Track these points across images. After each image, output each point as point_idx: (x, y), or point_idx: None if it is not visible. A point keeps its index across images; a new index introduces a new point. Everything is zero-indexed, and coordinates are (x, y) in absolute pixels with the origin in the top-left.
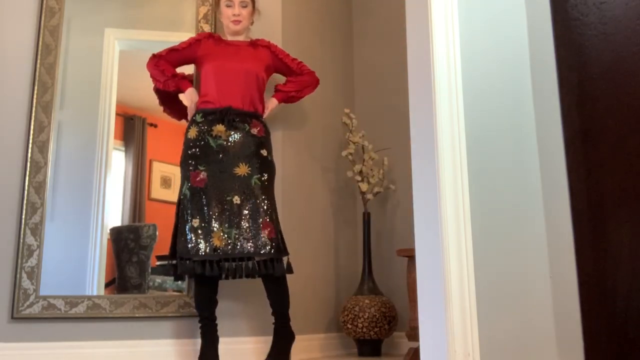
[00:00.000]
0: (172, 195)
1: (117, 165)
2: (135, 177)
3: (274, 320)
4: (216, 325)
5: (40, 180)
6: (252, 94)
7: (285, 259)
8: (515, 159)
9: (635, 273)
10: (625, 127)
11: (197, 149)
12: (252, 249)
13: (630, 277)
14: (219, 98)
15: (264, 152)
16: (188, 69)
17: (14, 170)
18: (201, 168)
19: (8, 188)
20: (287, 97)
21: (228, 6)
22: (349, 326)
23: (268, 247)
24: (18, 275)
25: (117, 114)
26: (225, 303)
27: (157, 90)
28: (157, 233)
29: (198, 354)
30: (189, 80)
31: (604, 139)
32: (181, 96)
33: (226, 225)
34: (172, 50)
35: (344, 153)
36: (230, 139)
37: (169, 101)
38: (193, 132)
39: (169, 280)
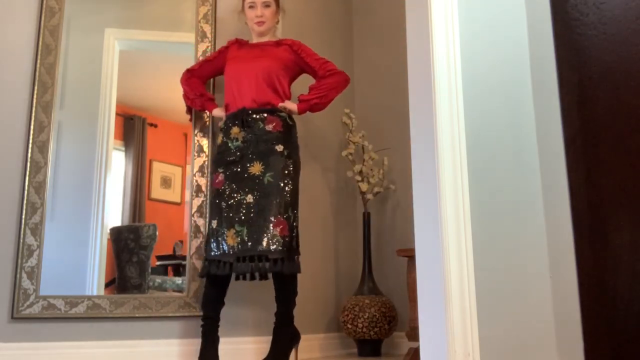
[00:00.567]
0: (172, 195)
1: (117, 165)
2: (135, 177)
3: (275, 320)
4: (218, 326)
5: (40, 180)
6: (265, 90)
7: (298, 257)
8: (515, 159)
9: (635, 273)
10: (625, 127)
11: (220, 154)
12: (264, 247)
13: (630, 277)
14: (235, 100)
15: (279, 148)
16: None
17: (14, 170)
18: (220, 170)
19: (8, 188)
20: (308, 107)
21: (251, 7)
22: (349, 326)
23: (279, 246)
24: (18, 275)
25: (117, 114)
26: (225, 303)
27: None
28: (157, 233)
29: (198, 354)
30: (214, 100)
31: (604, 139)
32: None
33: (239, 224)
34: (204, 62)
35: (344, 153)
36: (245, 139)
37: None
38: (219, 139)
39: (169, 280)
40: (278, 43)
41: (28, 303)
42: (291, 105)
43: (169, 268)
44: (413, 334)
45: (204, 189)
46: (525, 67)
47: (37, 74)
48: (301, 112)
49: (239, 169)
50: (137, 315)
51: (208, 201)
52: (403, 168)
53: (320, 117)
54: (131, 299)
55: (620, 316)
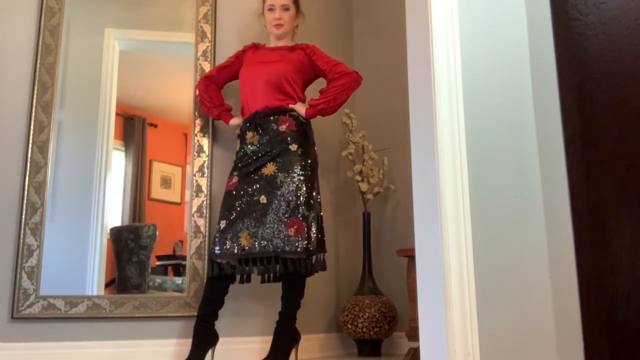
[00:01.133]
0: (172, 195)
1: (117, 165)
2: (135, 177)
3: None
4: (212, 327)
5: (40, 180)
6: (276, 94)
7: (321, 256)
8: (515, 159)
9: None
10: (625, 127)
11: (238, 159)
12: (279, 248)
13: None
14: (249, 105)
15: (293, 147)
16: None
17: (14, 170)
18: (234, 174)
19: (8, 188)
20: (316, 112)
21: (270, 10)
22: (349, 326)
23: (293, 246)
24: (18, 275)
25: (117, 114)
26: (225, 303)
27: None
28: (157, 233)
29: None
30: (231, 111)
31: (604, 139)
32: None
33: (253, 225)
34: (221, 67)
35: (344, 153)
36: (260, 142)
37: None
38: (237, 145)
39: (169, 280)
40: (293, 47)
41: (28, 303)
42: (300, 109)
43: (169, 268)
44: (413, 334)
45: (204, 189)
46: (525, 67)
47: (37, 74)
48: (309, 117)
49: (252, 170)
50: (137, 315)
51: (208, 201)
52: (403, 168)
53: (320, 117)
54: (131, 299)
55: (620, 316)
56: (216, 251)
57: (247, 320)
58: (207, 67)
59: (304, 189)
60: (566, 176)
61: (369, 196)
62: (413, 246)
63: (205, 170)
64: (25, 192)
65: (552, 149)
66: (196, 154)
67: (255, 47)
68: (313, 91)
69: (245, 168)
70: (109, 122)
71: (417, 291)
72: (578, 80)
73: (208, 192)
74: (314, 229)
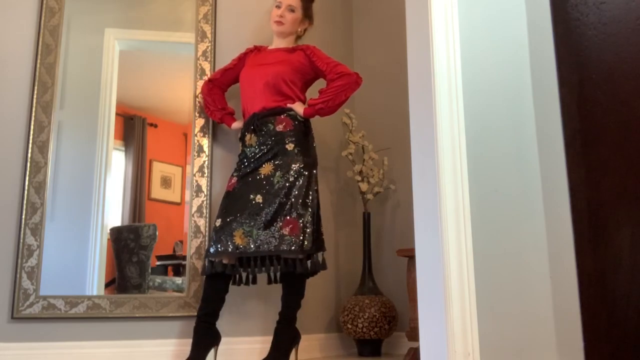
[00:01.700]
0: (172, 195)
1: (117, 165)
2: (135, 177)
3: (277, 320)
4: (212, 327)
5: (40, 180)
6: (273, 96)
7: (320, 255)
8: (515, 159)
9: (635, 273)
10: (625, 127)
11: (239, 161)
12: (273, 247)
13: (630, 277)
14: (248, 107)
15: (290, 147)
16: None
17: (14, 170)
18: (234, 174)
19: (8, 188)
20: (314, 112)
21: (277, 7)
22: (349, 326)
23: (288, 246)
24: (18, 275)
25: (117, 114)
26: (226, 303)
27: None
28: (157, 233)
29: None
30: (233, 114)
31: (604, 139)
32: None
33: (248, 224)
34: (225, 70)
35: (344, 153)
36: (258, 143)
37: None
38: (240, 148)
39: (169, 280)
40: (293, 49)
41: (28, 303)
42: (298, 108)
43: (169, 268)
44: (413, 334)
45: (204, 189)
46: (525, 67)
47: (37, 74)
48: (307, 116)
49: (250, 171)
50: (137, 315)
51: (208, 201)
52: (403, 168)
53: (320, 117)
54: (131, 299)
55: (620, 316)
56: (211, 250)
57: (247, 320)
58: (207, 67)
59: (300, 188)
60: (566, 176)
61: (369, 196)
62: (413, 246)
63: (205, 170)
64: (25, 192)
65: (552, 149)
66: (196, 154)
67: (257, 49)
68: (314, 92)
69: (245, 169)
70: (109, 122)
71: (417, 291)
72: (578, 80)
73: (208, 192)
74: (309, 228)
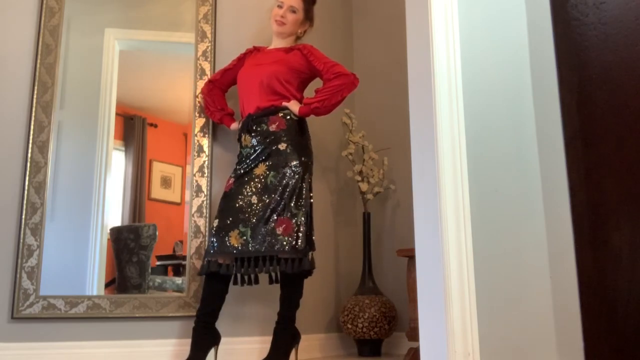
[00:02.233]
0: (172, 195)
1: (117, 165)
2: (135, 177)
3: (277, 320)
4: (211, 327)
5: (40, 180)
6: (268, 96)
7: (309, 255)
8: (516, 159)
9: (635, 273)
10: (625, 127)
11: (237, 162)
12: (267, 247)
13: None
14: (244, 108)
15: (282, 146)
16: None
17: (14, 170)
18: (232, 175)
19: (8, 188)
20: (309, 111)
21: (279, 6)
22: (349, 326)
23: (282, 246)
24: (18, 275)
25: (117, 114)
26: (225, 303)
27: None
28: (157, 233)
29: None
30: (233, 115)
31: (604, 139)
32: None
33: (243, 224)
34: (225, 70)
35: (344, 153)
36: (252, 143)
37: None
38: (238, 149)
39: (169, 280)
40: (290, 49)
41: (28, 303)
42: (294, 107)
43: (169, 268)
44: (413, 334)
45: (204, 189)
46: (525, 67)
47: (37, 74)
48: (302, 115)
49: (246, 172)
50: (137, 315)
51: (208, 201)
52: (403, 168)
53: (320, 117)
54: (131, 299)
55: (620, 316)
56: (210, 250)
57: (247, 320)
58: (207, 67)
59: (293, 187)
60: (566, 176)
61: (369, 196)
62: (413, 246)
63: (205, 170)
64: (25, 192)
65: (552, 149)
66: (196, 154)
67: (256, 50)
68: (311, 92)
69: (241, 169)
70: (109, 122)
71: (417, 291)
72: (578, 80)
73: (208, 192)
74: (302, 228)
